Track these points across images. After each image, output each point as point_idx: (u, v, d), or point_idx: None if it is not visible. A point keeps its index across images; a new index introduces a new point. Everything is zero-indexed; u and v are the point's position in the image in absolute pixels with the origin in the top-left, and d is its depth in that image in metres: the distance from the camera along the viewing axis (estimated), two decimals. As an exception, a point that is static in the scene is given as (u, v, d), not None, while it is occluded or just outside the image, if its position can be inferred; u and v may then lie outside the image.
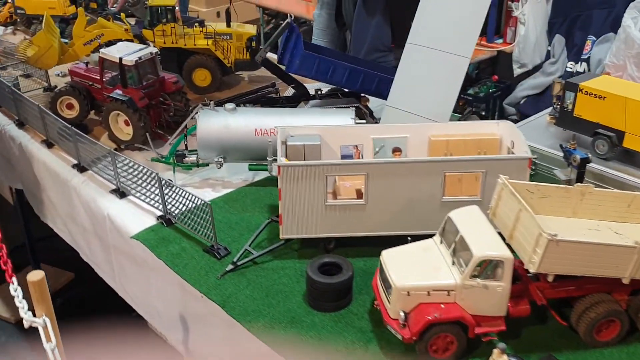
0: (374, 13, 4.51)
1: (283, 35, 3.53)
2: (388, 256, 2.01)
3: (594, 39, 5.37)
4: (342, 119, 2.80)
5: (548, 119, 3.30)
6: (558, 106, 3.27)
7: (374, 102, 3.51)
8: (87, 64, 3.57)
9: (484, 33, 6.59)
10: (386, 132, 2.56)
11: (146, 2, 3.93)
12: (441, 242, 2.01)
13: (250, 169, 2.93)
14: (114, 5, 5.52)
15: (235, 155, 2.88)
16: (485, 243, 1.85)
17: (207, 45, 3.89)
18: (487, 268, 1.86)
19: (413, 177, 2.24)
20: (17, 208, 4.49)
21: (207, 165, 2.94)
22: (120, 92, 3.21)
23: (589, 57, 5.28)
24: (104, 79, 3.34)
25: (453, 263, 1.91)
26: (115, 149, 3.30)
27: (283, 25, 3.36)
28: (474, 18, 2.79)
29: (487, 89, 6.59)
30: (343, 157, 2.61)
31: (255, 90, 3.49)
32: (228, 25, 4.01)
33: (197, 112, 2.90)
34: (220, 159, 2.85)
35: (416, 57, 2.97)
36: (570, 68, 5.36)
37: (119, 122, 3.29)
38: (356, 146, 2.60)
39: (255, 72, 4.10)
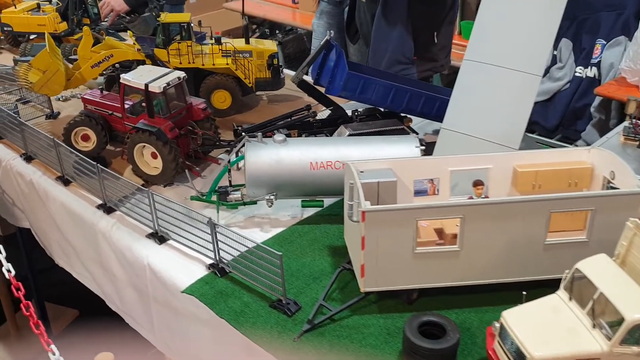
0: (394, 23, 4.26)
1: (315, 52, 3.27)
2: (512, 319, 1.74)
3: (604, 42, 5.22)
4: (406, 147, 2.54)
5: (622, 140, 3.09)
6: (635, 127, 3.07)
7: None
8: (101, 89, 3.23)
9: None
10: (465, 163, 2.30)
11: (157, 20, 3.61)
12: (570, 299, 1.77)
13: (303, 206, 2.65)
14: (105, 20, 5.19)
15: (288, 191, 2.59)
16: (635, 303, 1.62)
17: (227, 64, 3.60)
18: (636, 331, 1.62)
19: (514, 217, 1.99)
20: (19, 240, 4.15)
21: (255, 203, 2.66)
22: (146, 122, 2.90)
23: (599, 61, 5.14)
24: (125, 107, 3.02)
25: (594, 326, 1.67)
26: (143, 185, 3.00)
27: (322, 42, 3.08)
28: (545, 29, 2.55)
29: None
30: (417, 193, 2.35)
31: (288, 114, 3.21)
32: (247, 41, 3.72)
33: (243, 145, 2.60)
34: (271, 197, 2.56)
35: (476, 75, 2.71)
36: (579, 73, 5.21)
37: (144, 155, 2.97)
38: (431, 180, 2.35)
39: (275, 91, 3.82)
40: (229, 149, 3.08)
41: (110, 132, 3.14)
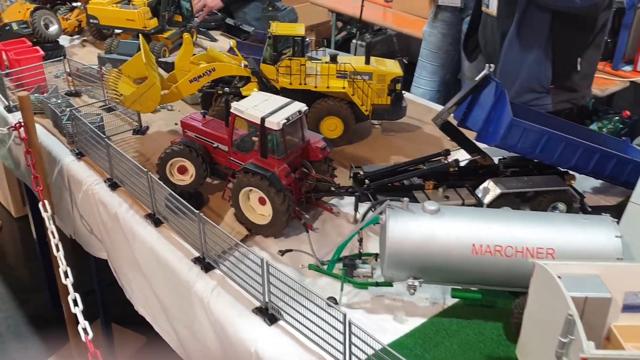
0: (531, 46, 3.64)
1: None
2: None
3: None
4: (602, 235, 1.96)
5: None
6: None
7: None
8: (204, 114, 2.74)
9: (609, 57, 5.70)
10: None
11: (268, 31, 3.09)
12: None
13: (454, 296, 2.10)
14: (196, 16, 4.72)
15: (437, 277, 2.05)
16: None
17: (344, 88, 3.07)
18: None
19: None
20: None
21: (391, 285, 2.12)
22: (257, 162, 2.40)
23: None
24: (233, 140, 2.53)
25: None
26: (247, 236, 2.51)
27: (478, 78, 2.53)
28: None
29: (614, 126, 5.70)
30: (625, 308, 1.78)
31: (421, 159, 2.66)
32: (367, 61, 3.17)
33: (381, 212, 2.07)
34: (414, 283, 2.02)
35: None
36: None
37: (251, 199, 2.48)
38: (646, 293, 1.78)
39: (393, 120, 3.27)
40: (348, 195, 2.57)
41: (212, 164, 2.66)
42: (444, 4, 4.83)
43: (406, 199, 2.04)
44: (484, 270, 1.98)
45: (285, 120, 2.35)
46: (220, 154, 2.61)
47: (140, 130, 3.24)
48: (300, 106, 2.45)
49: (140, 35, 3.32)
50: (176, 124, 3.34)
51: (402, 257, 2.00)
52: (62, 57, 3.81)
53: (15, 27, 4.03)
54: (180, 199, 2.36)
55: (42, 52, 3.65)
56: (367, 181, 2.54)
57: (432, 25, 4.98)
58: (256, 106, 2.44)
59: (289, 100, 2.50)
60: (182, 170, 2.64)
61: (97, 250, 3.05)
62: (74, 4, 4.89)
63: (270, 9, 3.55)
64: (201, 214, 2.23)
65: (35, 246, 4.53)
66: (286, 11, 3.71)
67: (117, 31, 4.24)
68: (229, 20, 4.67)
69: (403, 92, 3.17)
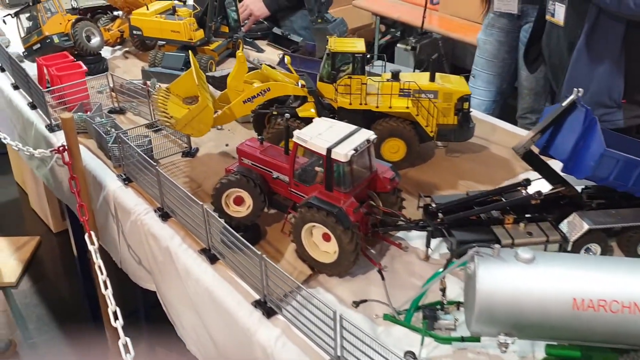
0: (602, 57, 3.37)
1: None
2: None
3: None
4: None
5: None
6: None
7: None
8: (261, 140, 2.54)
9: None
10: None
11: (326, 47, 2.87)
12: None
13: (549, 353, 1.87)
14: (242, 25, 4.54)
15: (532, 333, 1.83)
16: None
17: (407, 108, 2.85)
18: None
19: None
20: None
21: (479, 340, 1.90)
22: (321, 196, 2.19)
23: None
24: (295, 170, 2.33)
25: None
26: (310, 275, 2.32)
27: (567, 102, 2.29)
28: None
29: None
30: None
31: (497, 190, 2.43)
32: (432, 78, 2.95)
33: (470, 259, 1.85)
34: (506, 340, 1.80)
35: None
36: None
37: (314, 235, 2.29)
38: None
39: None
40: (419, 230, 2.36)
41: (270, 194, 2.46)
42: (500, 10, 4.57)
43: (497, 245, 1.81)
44: (586, 327, 1.75)
45: (353, 152, 2.14)
46: (279, 184, 2.41)
47: (190, 153, 3.07)
48: (368, 134, 2.24)
49: (190, 52, 3.15)
50: (227, 145, 3.17)
51: (493, 312, 1.78)
52: (105, 73, 3.66)
53: (56, 40, 3.90)
54: (238, 236, 2.17)
55: (84, 68, 3.49)
56: (440, 214, 2.31)
57: (488, 32, 4.72)
58: (320, 135, 2.23)
59: (355, 127, 2.29)
60: (239, 201, 2.45)
61: (145, 282, 2.88)
62: (115, 13, 4.75)
63: (319, 20, 3.35)
64: (263, 255, 2.03)
65: (77, 264, 4.40)
66: (336, 23, 3.49)
67: (160, 42, 4.08)
68: (276, 30, 4.47)
69: (471, 110, 2.94)
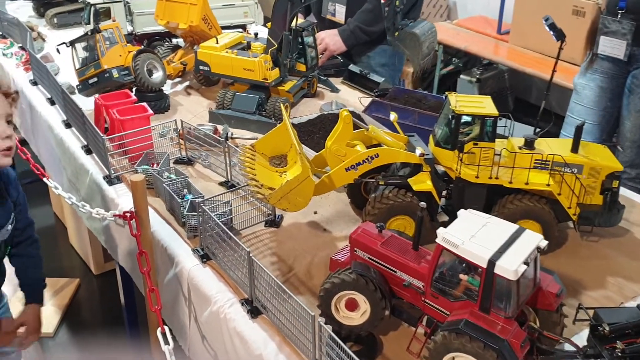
0: None
1: None
2: None
3: None
4: None
5: None
6: None
7: None
8: (380, 228, 2.04)
9: None
10: None
11: (451, 108, 2.34)
12: None
13: None
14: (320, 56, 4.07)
15: None
16: None
17: (548, 185, 2.34)
18: None
19: None
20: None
21: None
22: (474, 320, 1.69)
23: None
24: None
25: None
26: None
27: None
28: None
29: None
30: None
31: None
32: (575, 148, 2.42)
33: None
34: None
35: None
36: None
37: (455, 363, 1.79)
38: None
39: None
40: None
41: (392, 297, 1.97)
42: (604, 53, 4.06)
43: None
44: None
45: (524, 267, 1.64)
46: (409, 291, 1.91)
47: (275, 222, 2.58)
48: (537, 240, 1.74)
49: (282, 105, 2.68)
50: (315, 212, 2.69)
51: None
52: (167, 113, 3.22)
53: (115, 74, 3.46)
54: (350, 351, 1.68)
55: (150, 111, 3.04)
56: (618, 343, 1.79)
57: (588, 76, 4.22)
58: (474, 237, 1.74)
59: (515, 227, 1.79)
60: (352, 305, 1.96)
61: None
62: (175, 41, 4.32)
63: (396, 33, 2.86)
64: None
65: (124, 314, 3.93)
66: (421, 26, 3.00)
67: (229, 81, 3.63)
68: (353, 67, 4.00)
69: (620, 188, 2.42)
